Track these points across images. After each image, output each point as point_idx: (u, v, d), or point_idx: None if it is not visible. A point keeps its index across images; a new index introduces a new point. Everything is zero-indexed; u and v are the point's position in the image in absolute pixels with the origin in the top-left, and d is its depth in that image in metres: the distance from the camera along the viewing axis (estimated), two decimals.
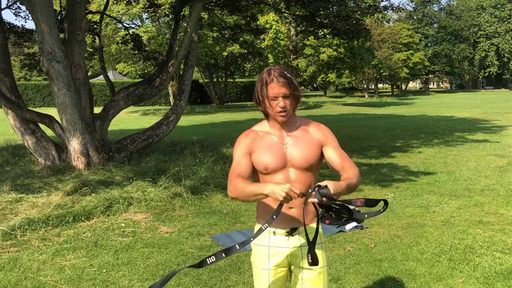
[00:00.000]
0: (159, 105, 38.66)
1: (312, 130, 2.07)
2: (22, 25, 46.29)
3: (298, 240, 2.06)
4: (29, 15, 9.53)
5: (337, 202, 1.80)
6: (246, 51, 28.20)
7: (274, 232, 2.06)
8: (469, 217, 5.17)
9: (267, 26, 26.70)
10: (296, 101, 2.00)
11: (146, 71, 30.81)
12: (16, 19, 62.97)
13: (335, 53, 28.68)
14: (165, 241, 4.59)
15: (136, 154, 8.70)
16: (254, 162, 2.03)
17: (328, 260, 2.20)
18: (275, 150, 2.02)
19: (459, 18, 61.63)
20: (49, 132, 8.64)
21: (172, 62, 9.52)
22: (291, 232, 2.04)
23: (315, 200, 1.75)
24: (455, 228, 4.77)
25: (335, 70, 33.39)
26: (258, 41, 29.20)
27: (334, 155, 2.03)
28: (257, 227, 2.12)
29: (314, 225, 2.08)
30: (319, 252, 2.07)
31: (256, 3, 13.20)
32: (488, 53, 62.97)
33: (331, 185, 1.74)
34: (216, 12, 14.10)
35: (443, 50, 60.48)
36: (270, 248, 2.06)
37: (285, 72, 1.95)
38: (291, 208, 2.02)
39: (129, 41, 13.18)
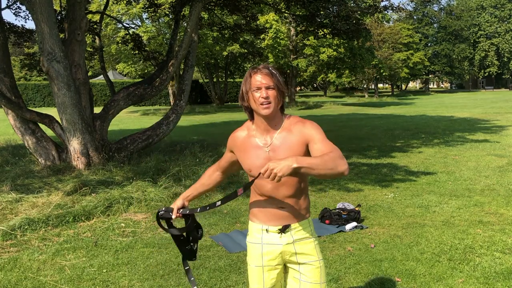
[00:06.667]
0: (159, 105, 38.66)
1: (296, 129, 1.98)
2: (22, 25, 46.32)
3: (290, 237, 2.07)
4: (29, 15, 9.53)
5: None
6: (246, 51, 28.20)
7: (267, 230, 2.07)
8: (469, 217, 5.17)
9: (267, 26, 26.70)
10: (280, 96, 1.96)
11: (146, 71, 30.79)
12: (16, 19, 63.06)
13: (335, 53, 28.68)
14: (165, 241, 4.59)
15: (136, 154, 8.70)
16: (241, 163, 2.11)
17: (323, 254, 2.20)
18: (259, 153, 2.00)
19: (459, 18, 61.63)
20: (49, 132, 8.64)
21: (172, 62, 9.52)
22: (283, 230, 2.05)
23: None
24: (455, 228, 4.77)
25: (335, 70, 33.41)
26: (258, 41, 29.20)
27: (317, 151, 1.89)
28: (250, 224, 2.15)
29: (306, 221, 2.10)
30: (311, 246, 2.08)
31: (256, 3, 13.20)
32: (488, 53, 62.97)
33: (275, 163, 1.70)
34: (216, 12, 14.09)
35: (443, 50, 60.48)
36: (264, 246, 2.08)
37: (270, 67, 1.96)
38: (282, 207, 2.03)
39: (129, 41, 13.18)
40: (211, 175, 2.28)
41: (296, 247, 2.07)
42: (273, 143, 1.99)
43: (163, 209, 2.15)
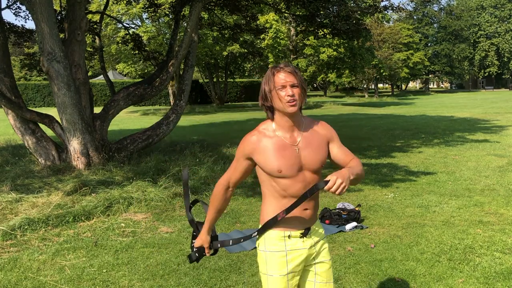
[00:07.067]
0: (159, 105, 38.66)
1: (318, 128, 2.05)
2: (22, 25, 46.26)
3: (311, 239, 2.06)
4: (29, 15, 9.54)
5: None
6: (246, 51, 28.20)
7: (289, 236, 2.01)
8: (469, 217, 5.17)
9: (267, 25, 26.71)
10: (303, 94, 1.96)
11: (146, 71, 30.79)
12: (16, 19, 63.06)
13: (335, 53, 28.69)
14: (165, 241, 4.59)
15: (136, 154, 8.70)
16: (263, 165, 1.97)
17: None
18: (288, 152, 1.95)
19: (459, 18, 61.66)
20: (49, 132, 8.64)
21: (172, 62, 9.52)
22: (305, 234, 2.03)
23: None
24: (455, 228, 4.77)
25: (335, 70, 33.40)
26: (258, 41, 29.20)
27: (339, 152, 2.06)
28: (268, 232, 2.04)
29: (318, 221, 2.13)
30: (326, 245, 2.13)
31: (256, 3, 13.20)
32: (488, 53, 62.99)
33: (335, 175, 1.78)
34: (216, 12, 14.09)
35: (443, 50, 60.50)
36: (288, 252, 2.00)
37: (291, 66, 1.96)
38: (306, 209, 2.01)
39: (129, 41, 13.18)
40: (225, 196, 2.12)
41: (316, 248, 2.08)
42: (301, 142, 1.99)
43: (196, 254, 2.19)
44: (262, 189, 2.06)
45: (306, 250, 2.03)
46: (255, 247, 4.26)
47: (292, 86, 1.91)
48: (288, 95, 1.89)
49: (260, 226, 2.06)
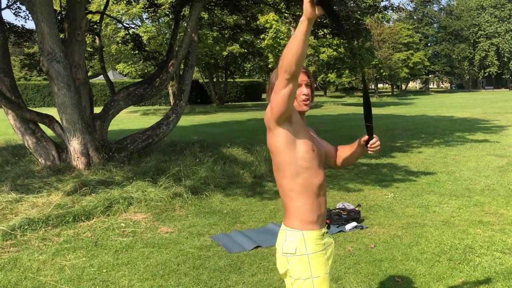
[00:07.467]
0: (159, 105, 38.64)
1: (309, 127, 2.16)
2: (22, 25, 46.34)
3: (329, 233, 2.12)
4: (29, 15, 9.53)
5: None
6: (246, 51, 28.20)
7: (324, 233, 2.02)
8: (469, 217, 5.17)
9: (267, 25, 26.71)
10: (313, 95, 2.05)
11: (146, 71, 30.80)
12: (16, 19, 63.08)
13: (335, 53, 28.72)
14: (165, 241, 4.59)
15: (136, 154, 8.69)
16: (297, 133, 1.91)
17: None
18: (312, 135, 2.07)
19: (459, 18, 61.66)
20: (49, 132, 8.64)
21: (172, 62, 9.52)
22: (329, 227, 2.09)
23: None
24: (455, 228, 4.77)
25: (335, 70, 33.42)
26: (258, 41, 29.19)
27: (326, 143, 2.23)
28: (308, 234, 1.94)
29: None
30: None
31: (256, 3, 13.20)
32: (488, 53, 62.98)
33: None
34: (216, 12, 14.09)
35: (443, 50, 60.50)
36: (327, 249, 2.02)
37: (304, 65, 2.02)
38: (324, 206, 2.07)
39: (129, 41, 13.18)
40: None
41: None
42: (312, 135, 2.08)
43: None
44: (287, 185, 1.95)
45: (333, 243, 2.09)
46: (255, 247, 4.28)
47: (307, 85, 1.98)
48: (304, 94, 1.96)
49: (285, 224, 1.99)
